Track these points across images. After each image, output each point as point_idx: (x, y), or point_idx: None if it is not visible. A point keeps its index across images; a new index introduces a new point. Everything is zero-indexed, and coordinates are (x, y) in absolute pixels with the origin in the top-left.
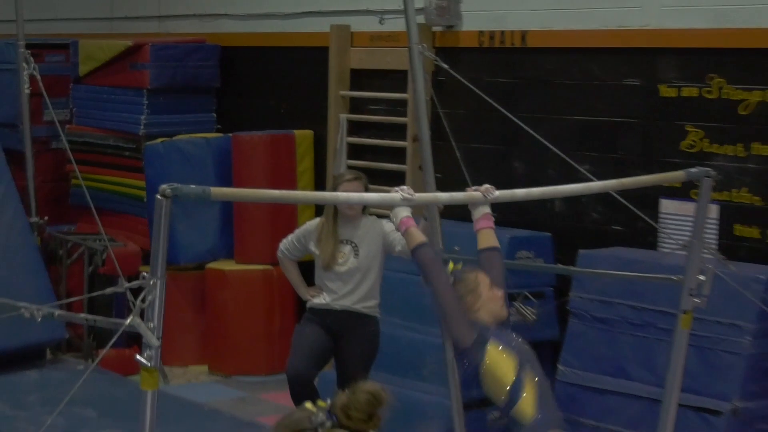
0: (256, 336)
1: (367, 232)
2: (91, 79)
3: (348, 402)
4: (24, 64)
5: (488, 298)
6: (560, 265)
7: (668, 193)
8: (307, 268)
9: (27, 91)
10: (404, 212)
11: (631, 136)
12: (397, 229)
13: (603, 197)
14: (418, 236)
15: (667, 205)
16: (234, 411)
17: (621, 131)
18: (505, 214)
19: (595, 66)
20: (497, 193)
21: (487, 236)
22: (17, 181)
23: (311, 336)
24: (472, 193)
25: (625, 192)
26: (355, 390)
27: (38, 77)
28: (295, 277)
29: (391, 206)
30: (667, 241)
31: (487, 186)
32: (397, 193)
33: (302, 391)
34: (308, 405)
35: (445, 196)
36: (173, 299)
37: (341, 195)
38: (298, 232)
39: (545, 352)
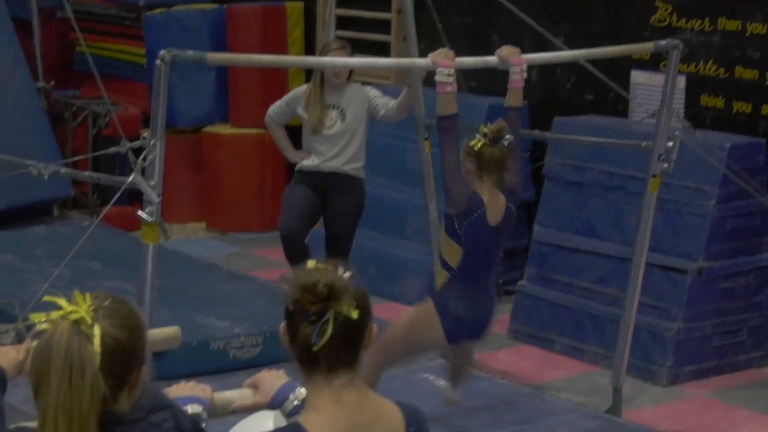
0: (250, 196)
1: (353, 97)
2: None
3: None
4: None
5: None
6: (536, 131)
7: (639, 65)
8: (294, 133)
9: None
10: (441, 77)
11: (603, 10)
12: (438, 89)
13: (577, 68)
14: (452, 105)
15: (637, 76)
16: (229, 265)
17: (594, 6)
18: (483, 82)
19: None
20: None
21: (516, 95)
22: (25, 49)
23: (301, 196)
24: (501, 56)
25: (597, 63)
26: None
27: None
28: (282, 140)
29: (373, 69)
30: (637, 110)
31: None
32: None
33: (294, 248)
34: (311, 264)
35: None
36: (172, 160)
37: (326, 59)
38: (286, 97)
39: (521, 213)
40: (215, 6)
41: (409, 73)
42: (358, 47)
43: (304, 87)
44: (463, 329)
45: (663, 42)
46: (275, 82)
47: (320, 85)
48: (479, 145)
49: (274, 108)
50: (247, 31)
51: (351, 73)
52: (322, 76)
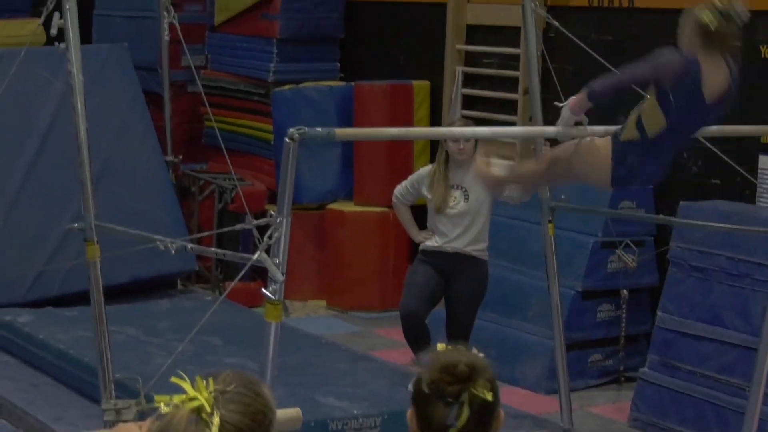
0: (372, 274)
1: (477, 177)
2: (225, 28)
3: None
4: (165, 13)
5: None
6: (662, 216)
7: (767, 149)
8: (419, 213)
9: (166, 38)
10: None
11: None
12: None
13: (703, 152)
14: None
15: (765, 161)
16: (349, 343)
17: None
18: None
19: None
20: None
21: None
22: (155, 122)
23: (423, 276)
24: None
25: (724, 147)
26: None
27: (177, 25)
28: (407, 220)
29: (500, 139)
30: (765, 195)
31: None
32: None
33: (414, 328)
34: (440, 346)
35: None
36: (295, 236)
37: (454, 129)
38: (411, 177)
39: (644, 299)
40: (342, 83)
41: (535, 154)
42: (483, 126)
43: (429, 167)
44: (629, 183)
45: None
46: (400, 159)
47: (444, 164)
48: (709, 19)
49: (400, 188)
50: (374, 109)
51: (475, 152)
52: (446, 155)
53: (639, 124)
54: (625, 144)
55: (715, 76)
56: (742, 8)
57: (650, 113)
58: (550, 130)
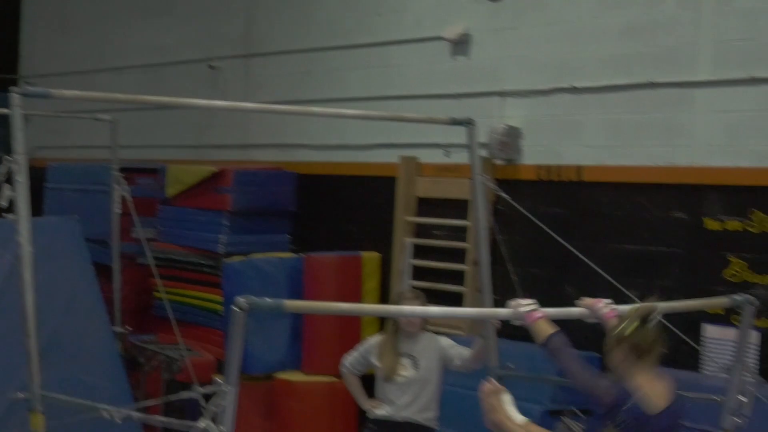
0: None
1: (426, 346)
2: (177, 201)
3: None
4: (116, 186)
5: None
6: None
7: (711, 319)
8: (369, 384)
9: (118, 211)
10: (526, 308)
11: (677, 265)
12: (525, 323)
13: None
14: (548, 327)
15: (710, 330)
16: None
17: (668, 261)
18: None
19: (645, 199)
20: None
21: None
22: (104, 293)
23: None
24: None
25: (669, 316)
26: None
27: (129, 198)
28: (357, 389)
29: (452, 319)
30: (709, 363)
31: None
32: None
33: None
34: None
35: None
36: (243, 407)
37: (406, 308)
38: (361, 348)
39: None
40: (293, 255)
41: (483, 323)
42: (433, 296)
43: (378, 337)
44: None
45: (738, 297)
46: (349, 330)
47: (394, 334)
48: (630, 329)
49: (350, 358)
50: (324, 280)
51: (424, 323)
52: (396, 324)
53: None
54: None
55: (658, 388)
56: (652, 309)
57: None
58: (502, 312)
